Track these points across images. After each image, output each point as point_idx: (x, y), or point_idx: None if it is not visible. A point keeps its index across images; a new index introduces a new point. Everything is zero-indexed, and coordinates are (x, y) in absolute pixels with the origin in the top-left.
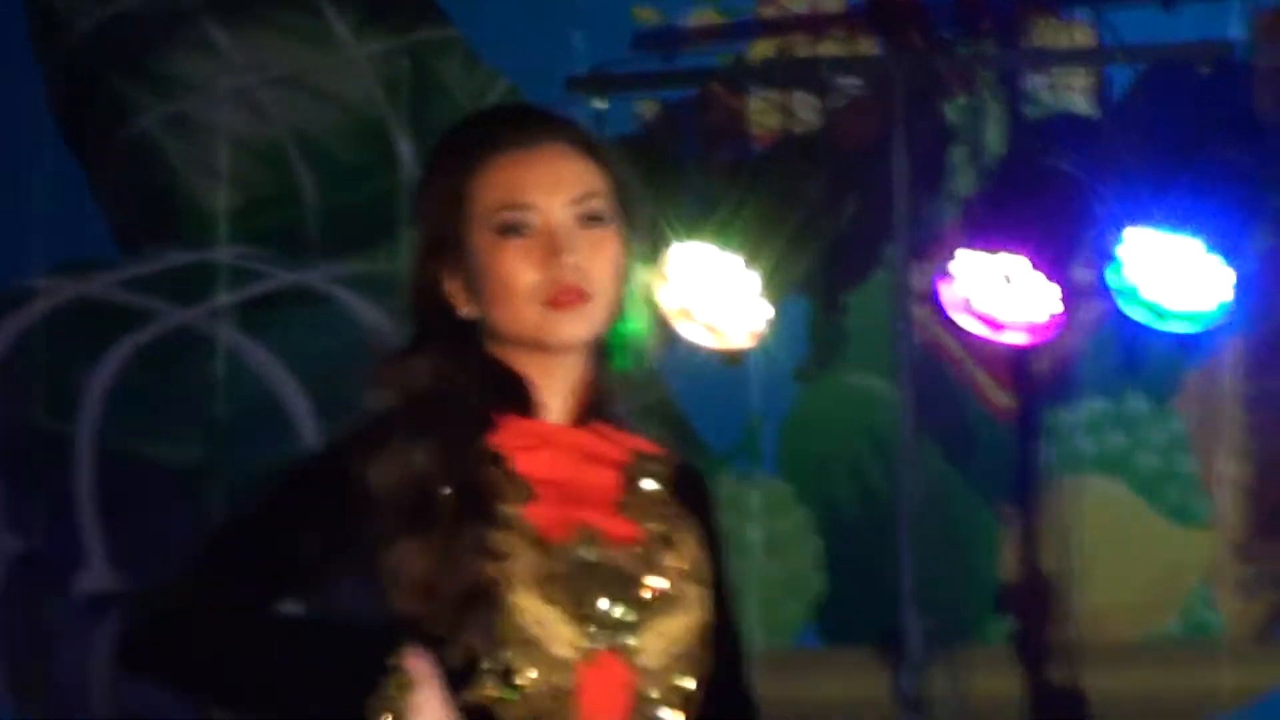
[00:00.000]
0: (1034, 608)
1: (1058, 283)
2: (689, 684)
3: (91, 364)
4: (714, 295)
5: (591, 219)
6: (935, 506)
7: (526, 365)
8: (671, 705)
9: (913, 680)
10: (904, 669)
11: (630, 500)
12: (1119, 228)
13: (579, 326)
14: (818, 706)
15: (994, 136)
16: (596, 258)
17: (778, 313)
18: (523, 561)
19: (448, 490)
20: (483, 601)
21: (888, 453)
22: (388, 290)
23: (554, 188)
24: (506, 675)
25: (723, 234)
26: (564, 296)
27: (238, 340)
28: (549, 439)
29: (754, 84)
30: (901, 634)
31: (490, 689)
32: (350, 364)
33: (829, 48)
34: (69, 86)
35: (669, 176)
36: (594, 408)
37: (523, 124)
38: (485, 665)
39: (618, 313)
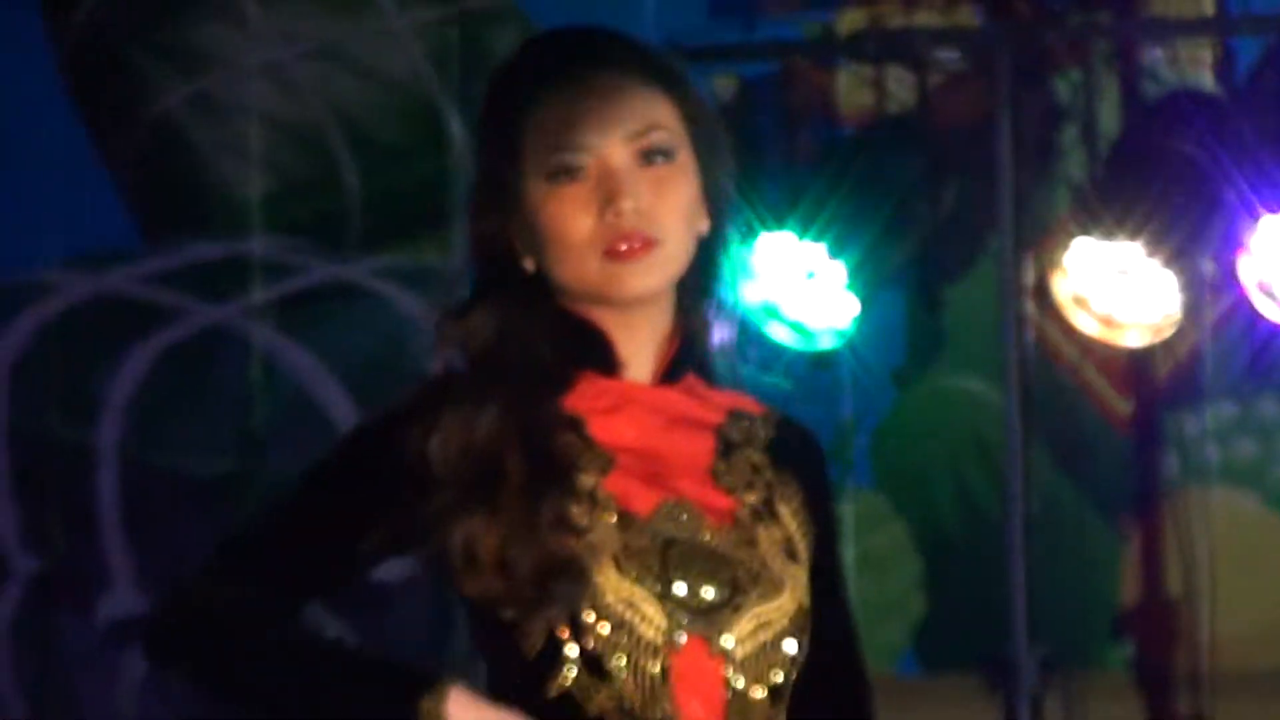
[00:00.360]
0: (1157, 632)
1: (1181, 276)
2: (779, 676)
3: (113, 367)
4: (801, 291)
5: (654, 154)
6: (1047, 521)
7: (601, 320)
8: (762, 697)
9: (1024, 711)
10: (1014, 700)
11: (724, 467)
12: (1249, 215)
13: (647, 277)
14: None
15: (1109, 115)
16: (661, 198)
17: (872, 310)
18: (605, 536)
19: (518, 459)
20: (565, 577)
21: (994, 462)
22: (437, 285)
23: (608, 124)
24: (592, 661)
25: (809, 224)
26: (625, 245)
27: (273, 340)
28: (631, 399)
29: (843, 58)
30: (1011, 661)
31: (576, 677)
32: (396, 365)
33: (926, 18)
34: (84, 63)
35: (749, 160)
36: (683, 362)
37: (577, 53)
38: (569, 651)
39: (690, 254)
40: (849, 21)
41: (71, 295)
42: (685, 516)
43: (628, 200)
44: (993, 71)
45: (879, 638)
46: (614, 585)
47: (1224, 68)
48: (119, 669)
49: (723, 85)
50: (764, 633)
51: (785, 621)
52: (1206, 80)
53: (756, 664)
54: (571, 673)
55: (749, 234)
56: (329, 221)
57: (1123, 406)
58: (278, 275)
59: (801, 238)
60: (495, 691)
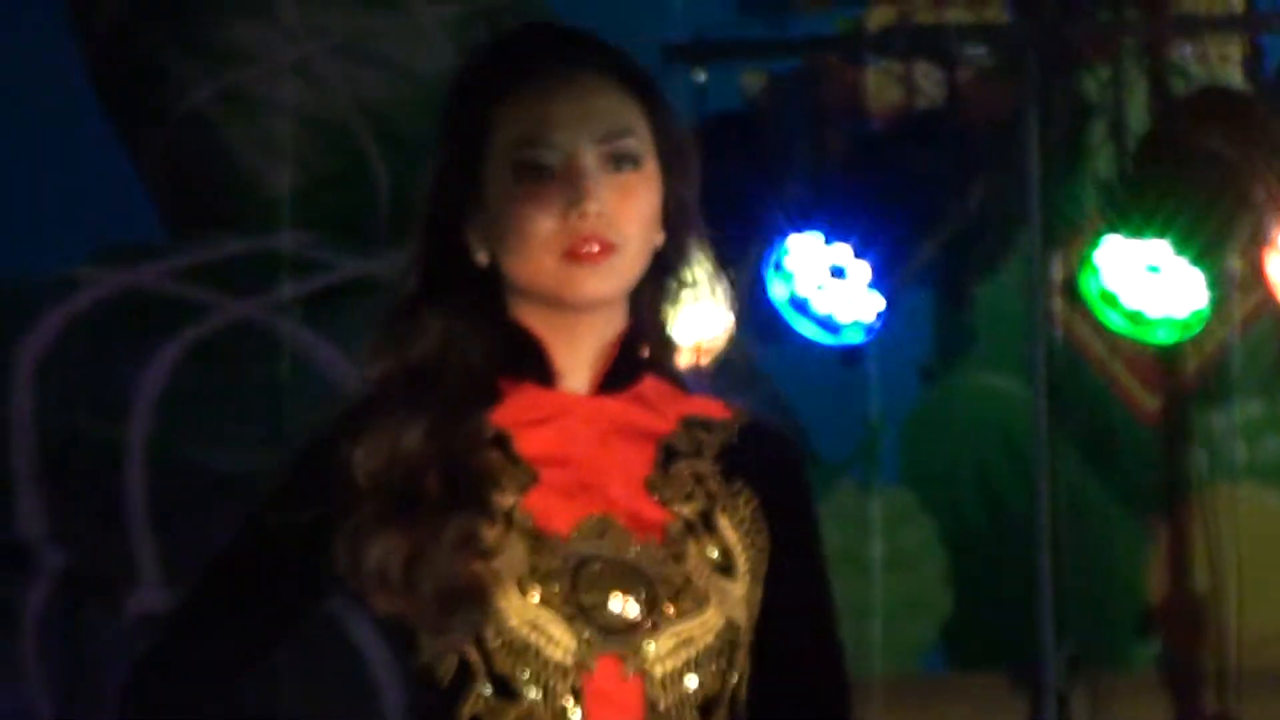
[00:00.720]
0: (1184, 630)
1: (1209, 273)
2: (709, 692)
3: (141, 362)
4: (828, 288)
5: (623, 159)
6: (1074, 518)
7: (547, 323)
8: (692, 708)
9: (1051, 709)
10: (1041, 697)
11: (660, 479)
12: (1277, 212)
13: (601, 282)
14: None
15: (1137, 112)
16: (625, 204)
17: (899, 307)
18: (513, 557)
19: (437, 476)
20: (464, 601)
21: (1021, 459)
22: None
23: (580, 123)
24: (501, 684)
25: (837, 220)
26: (585, 248)
27: (301, 335)
28: (565, 410)
29: (872, 54)
30: (1037, 658)
31: (487, 699)
32: None
33: (955, 14)
34: (111, 59)
35: (777, 156)
36: (625, 371)
37: (554, 49)
38: (479, 675)
39: (645, 265)
40: (878, 18)
41: (100, 291)
42: (608, 532)
43: (593, 203)
44: (1021, 68)
45: (906, 635)
46: (517, 608)
47: (1253, 64)
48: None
49: (751, 81)
50: (686, 650)
51: (710, 638)
52: (1235, 77)
53: (681, 683)
54: (482, 696)
55: (778, 231)
56: (358, 216)
57: (1150, 403)
58: (306, 270)
59: (829, 234)
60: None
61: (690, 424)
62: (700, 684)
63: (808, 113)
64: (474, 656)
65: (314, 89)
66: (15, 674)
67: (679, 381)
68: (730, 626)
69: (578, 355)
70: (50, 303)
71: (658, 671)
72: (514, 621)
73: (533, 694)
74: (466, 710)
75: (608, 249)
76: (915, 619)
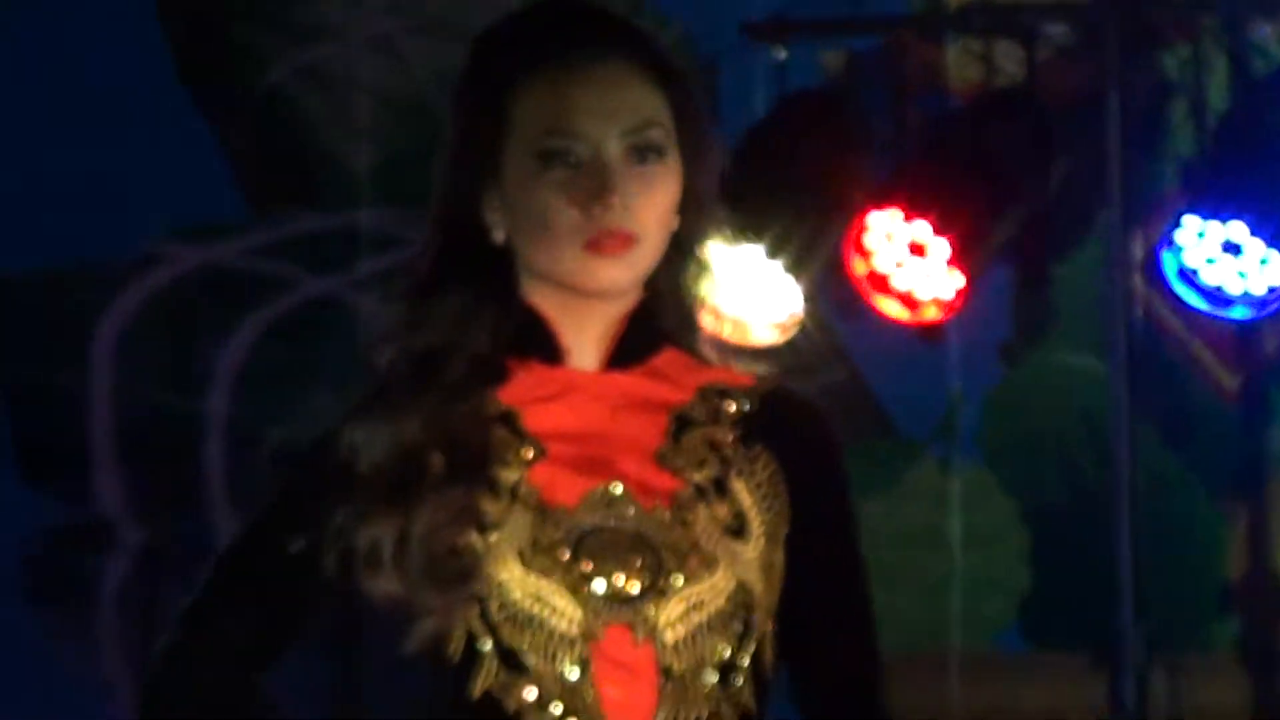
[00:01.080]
0: (1263, 610)
1: None
2: (725, 654)
3: (220, 338)
4: (908, 266)
5: (647, 151)
6: (1154, 497)
7: (558, 305)
8: (711, 680)
9: (1129, 689)
10: (1120, 676)
11: (671, 448)
12: None
13: (620, 273)
14: (1024, 715)
15: (1217, 91)
16: (647, 197)
17: (980, 285)
18: (515, 530)
19: (440, 456)
20: (455, 576)
21: (1101, 438)
22: None
23: (607, 115)
24: (509, 658)
25: (918, 197)
26: (607, 240)
27: (381, 312)
28: (574, 387)
29: (952, 32)
30: (1116, 637)
31: (495, 674)
32: None
33: None
34: (193, 35)
35: (857, 135)
36: (644, 345)
37: (577, 32)
38: (485, 650)
39: (661, 254)
40: None
41: (180, 268)
42: (615, 502)
43: (617, 196)
44: (1101, 46)
45: (985, 612)
46: (520, 581)
47: None
48: None
49: (831, 59)
50: (697, 614)
51: (721, 601)
52: None
53: (695, 646)
54: (492, 671)
55: (857, 209)
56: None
57: (1230, 381)
58: (384, 246)
59: (909, 212)
60: (420, 706)
61: (708, 393)
62: (715, 648)
63: (888, 90)
64: (480, 632)
65: (393, 66)
66: (93, 648)
67: (702, 355)
68: (742, 589)
69: (584, 334)
70: (131, 280)
71: (669, 637)
72: (517, 594)
73: (540, 666)
74: (478, 686)
75: (628, 241)
76: (993, 596)
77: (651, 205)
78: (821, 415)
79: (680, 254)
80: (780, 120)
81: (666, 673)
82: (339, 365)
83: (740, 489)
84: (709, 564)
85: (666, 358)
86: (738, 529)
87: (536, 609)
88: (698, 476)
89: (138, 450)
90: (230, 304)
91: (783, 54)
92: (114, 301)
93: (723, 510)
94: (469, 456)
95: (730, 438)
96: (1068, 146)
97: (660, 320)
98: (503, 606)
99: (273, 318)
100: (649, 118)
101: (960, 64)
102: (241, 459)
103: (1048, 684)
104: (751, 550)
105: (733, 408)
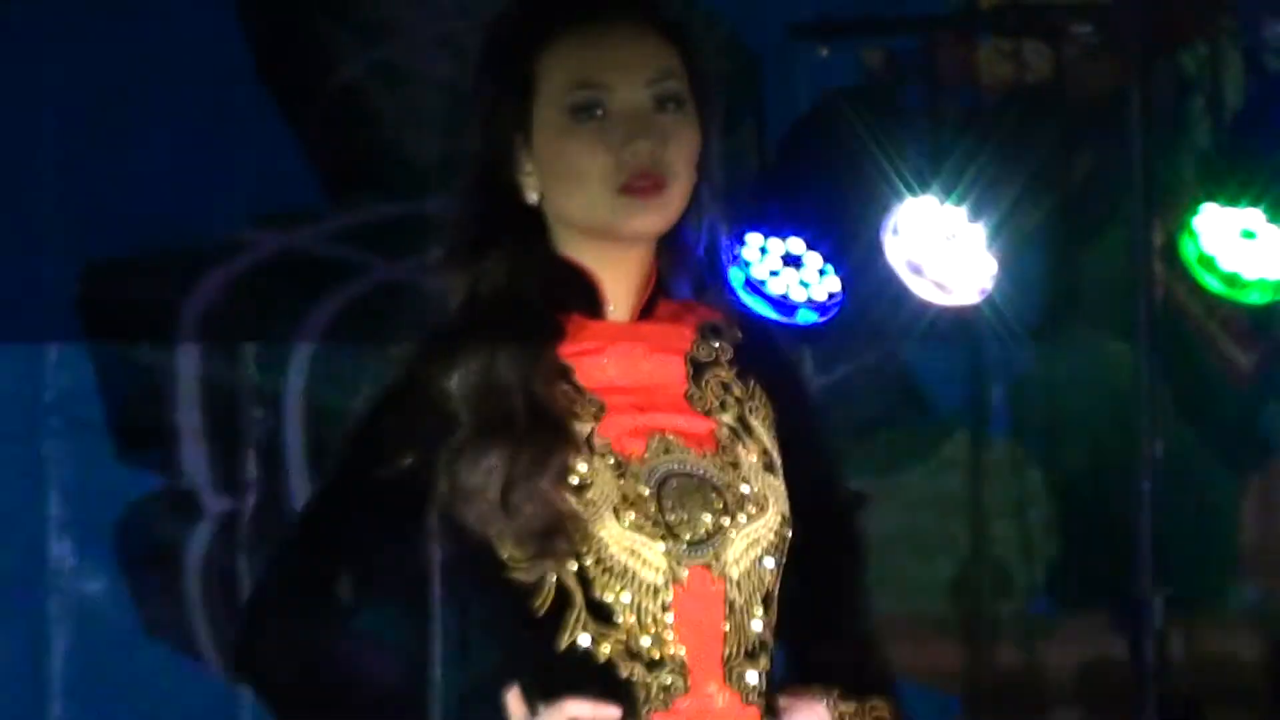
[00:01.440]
0: (1274, 574)
1: None
2: (766, 587)
3: (298, 319)
4: (943, 251)
5: (668, 100)
6: (1173, 470)
7: (595, 257)
8: (757, 612)
9: (1149, 648)
10: (1140, 637)
11: (696, 391)
12: None
13: (654, 216)
14: (1050, 673)
15: (1233, 88)
16: (673, 143)
17: (1010, 269)
18: (605, 489)
19: (524, 410)
20: (563, 533)
21: (1123, 413)
22: None
23: (630, 67)
24: (598, 610)
25: (952, 188)
26: (639, 183)
27: (449, 293)
28: (614, 339)
29: (984, 31)
30: (1137, 600)
31: (585, 626)
32: None
33: None
34: (271, 35)
35: (894, 128)
36: (657, 299)
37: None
38: (577, 603)
39: (687, 200)
40: None
41: (261, 252)
42: (672, 449)
43: (645, 141)
44: (1125, 45)
45: (1014, 577)
46: (616, 536)
47: None
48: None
49: (871, 56)
50: (754, 549)
51: (771, 536)
52: None
53: (750, 581)
54: (580, 624)
55: (896, 197)
56: None
57: (1245, 360)
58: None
59: (944, 201)
60: (510, 658)
61: (703, 332)
62: (764, 579)
63: (924, 86)
64: (572, 584)
65: (460, 63)
66: (180, 612)
67: (684, 294)
68: (784, 521)
69: (620, 286)
70: (214, 264)
71: (734, 573)
72: (614, 549)
73: (629, 616)
74: (564, 639)
75: (659, 183)
76: (1024, 563)
77: (678, 150)
78: (777, 337)
79: (697, 206)
80: (823, 114)
81: (731, 606)
82: (408, 341)
83: (757, 426)
84: (760, 502)
85: (660, 304)
86: (769, 465)
87: (630, 561)
88: (725, 418)
89: (221, 425)
90: (307, 287)
91: (825, 52)
92: (199, 285)
93: (754, 449)
94: (553, 411)
95: (732, 376)
96: (1093, 139)
97: (680, 274)
98: (599, 561)
99: (347, 299)
100: (667, 68)
101: (992, 62)
102: (317, 432)
103: (1073, 644)
104: (782, 484)
105: (725, 346)
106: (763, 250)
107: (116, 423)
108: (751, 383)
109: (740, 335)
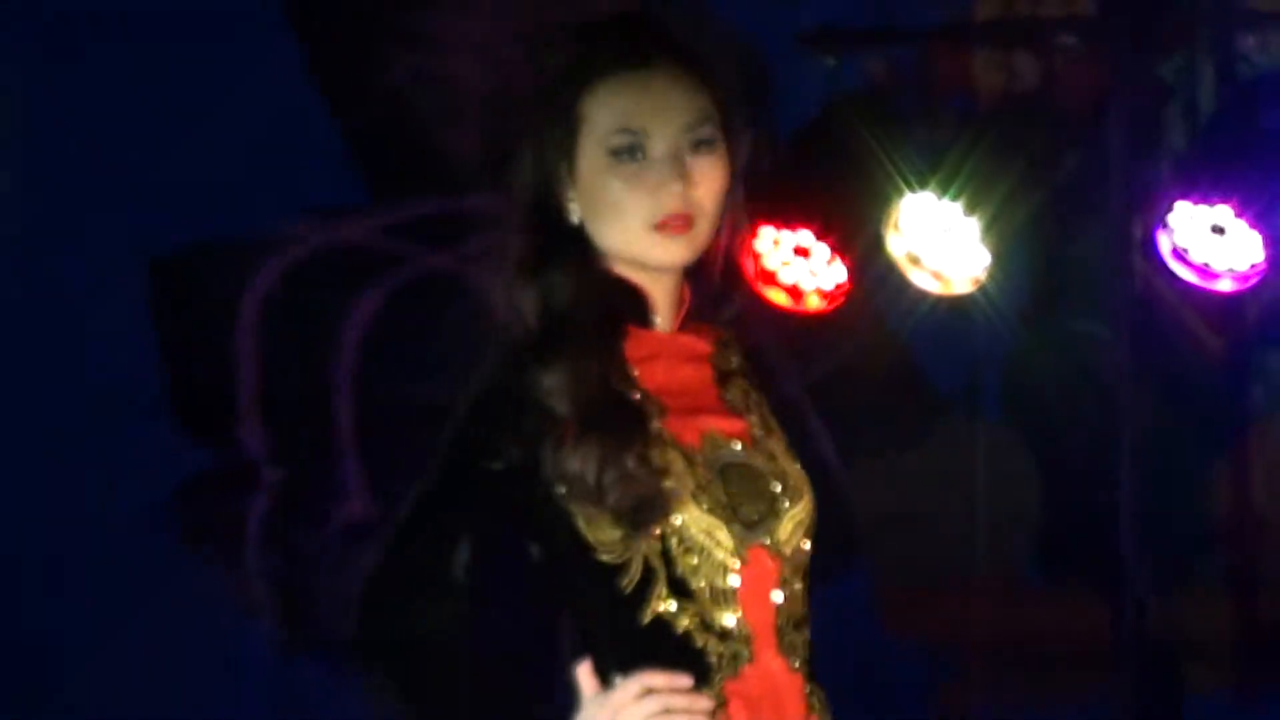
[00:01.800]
0: (1246, 545)
1: (1266, 232)
2: (807, 559)
3: (348, 307)
4: (940, 244)
5: (700, 144)
6: (1152, 448)
7: (635, 277)
8: (799, 587)
9: (1130, 615)
10: (1122, 604)
11: (727, 394)
12: None
13: (683, 250)
14: (1037, 641)
15: (1207, 94)
16: (704, 183)
17: (1001, 261)
18: (681, 476)
19: (610, 407)
20: (651, 513)
21: (1106, 394)
22: None
23: (668, 114)
24: (678, 585)
25: (948, 186)
26: (672, 222)
27: (486, 283)
28: (663, 347)
29: (978, 43)
30: (1120, 570)
31: (666, 601)
32: None
33: (1050, 8)
34: (321, 44)
35: (896, 131)
36: (692, 311)
37: (637, 43)
38: (659, 581)
39: (714, 231)
40: (984, 11)
41: (312, 244)
42: (722, 444)
43: (679, 184)
44: (1108, 55)
45: (1005, 547)
46: (695, 519)
47: None
48: (351, 567)
49: (874, 65)
50: (798, 531)
51: (808, 518)
52: None
53: (795, 559)
54: (662, 599)
55: (897, 195)
56: None
57: (1217, 344)
58: (489, 226)
59: (940, 198)
60: (588, 636)
61: (720, 342)
62: (805, 557)
63: (922, 93)
64: (656, 563)
65: (496, 69)
66: (241, 574)
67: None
68: (814, 504)
69: (662, 300)
70: (270, 256)
71: (786, 551)
72: (693, 530)
73: (704, 591)
74: (648, 613)
75: (689, 221)
76: (1014, 536)
77: (708, 190)
78: (761, 336)
79: (726, 227)
80: (830, 118)
81: (783, 582)
82: (450, 329)
83: (774, 422)
84: (798, 488)
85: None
86: (794, 457)
87: (706, 542)
88: (752, 418)
89: (277, 403)
90: (356, 276)
91: (831, 61)
92: (256, 275)
93: (781, 442)
94: (632, 407)
95: (746, 383)
96: (1077, 141)
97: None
98: (681, 542)
99: (392, 288)
100: (702, 115)
101: (985, 71)
102: (366, 409)
103: (1061, 610)
104: (805, 471)
105: (735, 353)
106: (775, 241)
107: (181, 402)
108: (759, 386)
109: (744, 348)
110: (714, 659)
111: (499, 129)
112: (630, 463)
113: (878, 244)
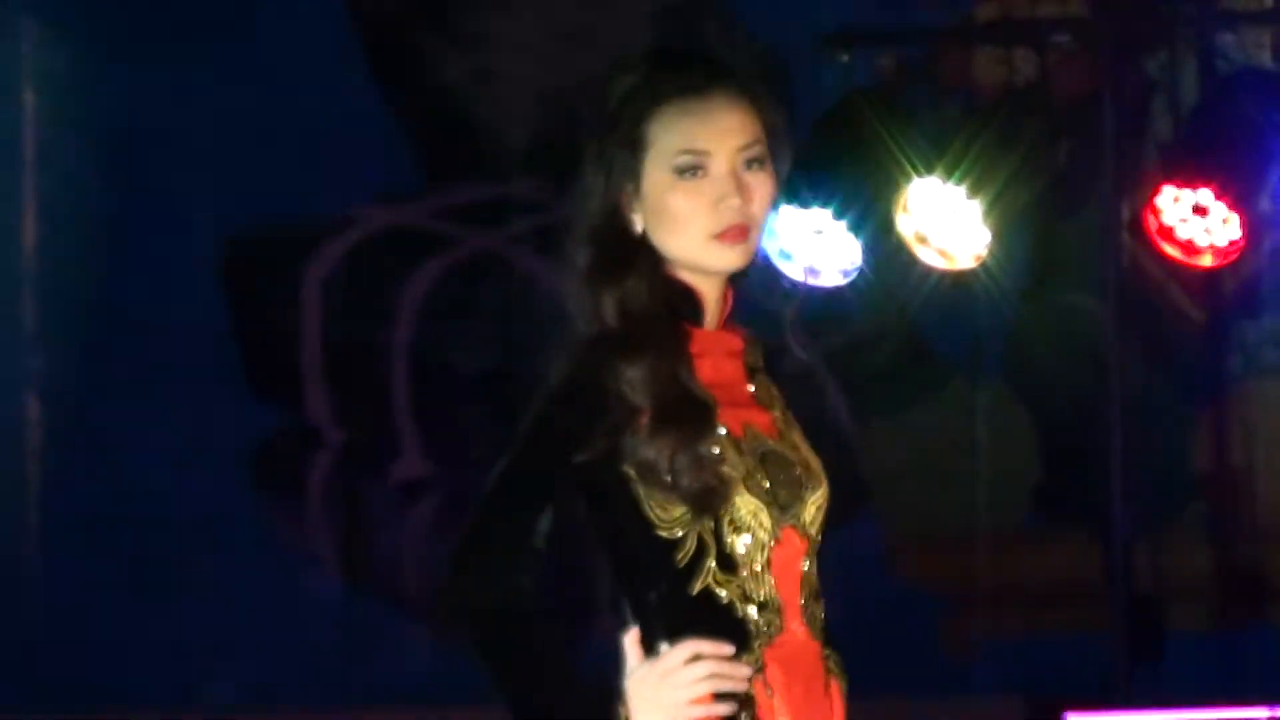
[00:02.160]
0: (1224, 495)
1: (1245, 213)
2: (821, 526)
3: (404, 282)
4: (945, 224)
5: (752, 162)
6: (1139, 408)
7: (689, 280)
8: (817, 555)
9: (1119, 558)
10: (1111, 548)
11: (755, 390)
12: None
13: (739, 257)
14: (1034, 581)
15: (1189, 88)
16: (756, 198)
17: (1001, 239)
18: (734, 463)
19: (684, 400)
20: (714, 497)
21: (1096, 359)
22: None
23: (725, 136)
24: (724, 561)
25: (953, 171)
26: (730, 233)
27: (531, 262)
28: (712, 345)
29: (980, 41)
30: (1110, 517)
31: (714, 574)
32: None
33: (1046, 9)
34: (382, 42)
35: (905, 122)
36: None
37: (695, 71)
38: (709, 556)
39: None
40: (985, 12)
41: (371, 226)
42: (758, 434)
43: (735, 199)
44: (1098, 52)
45: (1004, 498)
46: (745, 502)
47: None
48: (408, 519)
49: (884, 62)
50: (819, 514)
51: (826, 502)
52: (1266, 60)
53: (815, 539)
54: (711, 573)
55: (906, 180)
56: (574, 168)
57: (1198, 315)
58: (534, 210)
59: (946, 182)
60: (639, 605)
61: (748, 340)
62: (821, 537)
63: (929, 87)
64: (708, 540)
65: (542, 67)
66: (305, 528)
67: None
68: (829, 490)
69: (710, 301)
70: (332, 236)
71: (811, 531)
72: (743, 512)
73: (745, 567)
74: (698, 584)
75: (743, 232)
76: (1011, 486)
77: (760, 203)
78: (787, 351)
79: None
80: (845, 111)
81: (807, 560)
82: (495, 303)
83: (792, 417)
84: (818, 476)
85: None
86: (811, 448)
87: (752, 523)
88: (776, 411)
89: (339, 370)
90: (411, 255)
91: (846, 58)
92: (320, 253)
93: (800, 433)
94: (700, 399)
95: (770, 382)
96: (1071, 131)
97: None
98: (732, 522)
99: (444, 266)
100: (755, 136)
101: (986, 67)
102: (419, 376)
103: (1054, 556)
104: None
105: (759, 353)
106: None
107: (252, 369)
108: (779, 386)
109: (764, 352)
110: (753, 627)
111: (543, 122)
112: (700, 452)
113: (888, 224)
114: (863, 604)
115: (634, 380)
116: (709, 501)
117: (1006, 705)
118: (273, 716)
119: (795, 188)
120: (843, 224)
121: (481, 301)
